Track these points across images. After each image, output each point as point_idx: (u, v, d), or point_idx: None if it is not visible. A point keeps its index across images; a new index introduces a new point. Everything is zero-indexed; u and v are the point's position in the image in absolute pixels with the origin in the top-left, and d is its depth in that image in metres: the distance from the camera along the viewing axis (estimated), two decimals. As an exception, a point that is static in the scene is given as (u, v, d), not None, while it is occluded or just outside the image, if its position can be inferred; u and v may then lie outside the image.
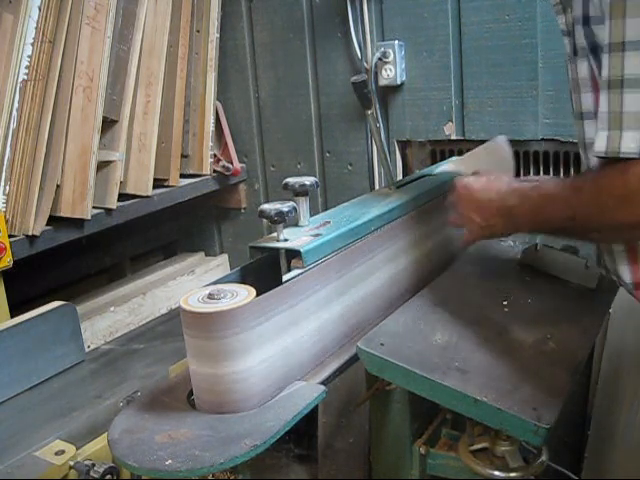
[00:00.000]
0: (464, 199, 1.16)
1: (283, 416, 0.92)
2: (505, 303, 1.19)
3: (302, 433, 2.16)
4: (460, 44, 1.92)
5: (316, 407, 0.99)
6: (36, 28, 1.65)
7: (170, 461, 0.83)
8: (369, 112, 1.35)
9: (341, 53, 2.13)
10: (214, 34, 2.16)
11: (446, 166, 1.61)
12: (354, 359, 1.08)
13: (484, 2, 1.84)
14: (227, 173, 2.27)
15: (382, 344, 1.04)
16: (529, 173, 1.91)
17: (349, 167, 2.22)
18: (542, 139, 1.86)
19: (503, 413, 0.90)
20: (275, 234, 1.10)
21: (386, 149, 1.66)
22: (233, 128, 2.35)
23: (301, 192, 1.18)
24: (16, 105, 1.64)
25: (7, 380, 1.45)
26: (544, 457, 1.07)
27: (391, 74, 2.02)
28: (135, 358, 1.69)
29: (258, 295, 0.95)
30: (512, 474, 1.04)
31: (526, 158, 1.92)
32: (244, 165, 2.41)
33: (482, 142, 1.97)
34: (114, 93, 1.88)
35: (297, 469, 2.22)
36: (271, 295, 0.96)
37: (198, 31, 2.16)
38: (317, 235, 1.12)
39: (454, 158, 1.42)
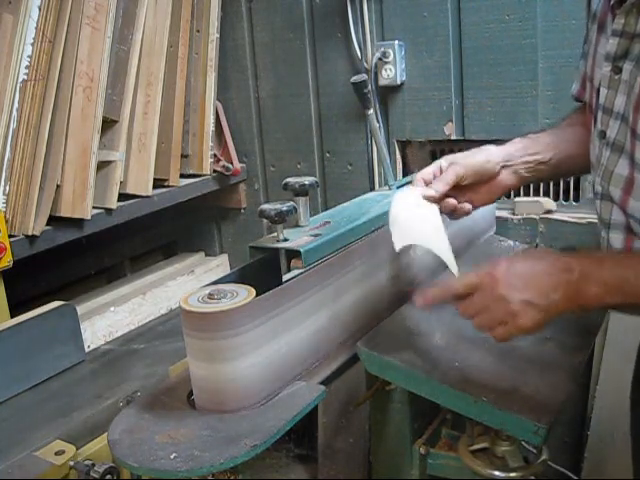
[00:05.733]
0: (505, 286, 0.90)
1: (283, 416, 0.92)
2: (505, 303, 1.19)
3: (302, 433, 2.16)
4: (460, 44, 1.92)
5: (316, 407, 0.99)
6: (36, 28, 1.65)
7: (170, 461, 0.83)
8: (369, 112, 1.35)
9: (341, 53, 2.13)
10: (214, 34, 2.16)
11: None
12: (354, 359, 1.08)
13: (484, 2, 1.85)
14: (227, 173, 2.27)
15: (382, 344, 1.04)
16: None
17: (349, 167, 2.22)
18: (542, 139, 1.86)
19: (503, 413, 0.90)
20: (275, 234, 1.10)
21: (386, 149, 1.66)
22: (233, 128, 2.35)
23: (301, 192, 1.18)
24: (16, 105, 1.64)
25: (7, 380, 1.45)
26: (544, 457, 1.07)
27: (391, 74, 2.02)
28: (135, 358, 1.69)
29: (258, 295, 0.95)
30: (512, 474, 1.04)
31: (526, 158, 1.92)
32: (244, 165, 2.41)
33: (482, 142, 1.97)
34: (114, 93, 1.87)
35: (297, 469, 2.21)
36: (271, 295, 0.96)
37: (198, 31, 2.16)
38: (317, 235, 1.12)
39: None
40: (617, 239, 1.03)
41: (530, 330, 0.91)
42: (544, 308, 0.89)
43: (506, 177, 1.16)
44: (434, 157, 2.09)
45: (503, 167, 1.16)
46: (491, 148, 1.18)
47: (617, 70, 0.99)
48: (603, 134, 1.03)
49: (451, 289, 0.96)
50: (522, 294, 0.89)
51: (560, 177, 1.51)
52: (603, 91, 1.02)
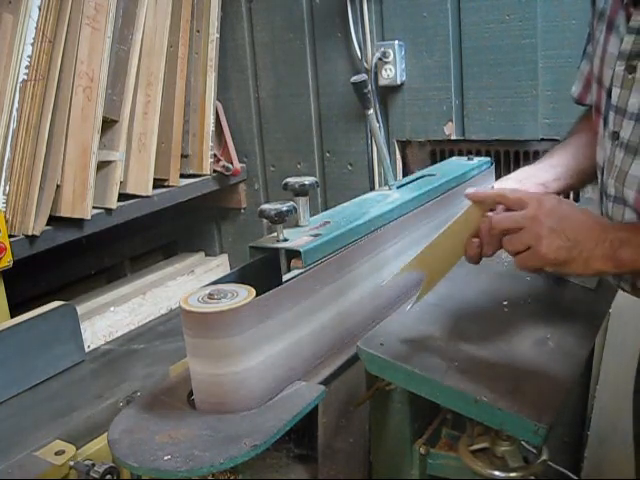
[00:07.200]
0: (544, 213, 0.91)
1: (283, 416, 0.92)
2: (505, 303, 1.19)
3: (302, 433, 2.16)
4: (460, 44, 1.92)
5: (316, 407, 0.99)
6: (36, 28, 1.65)
7: (170, 461, 0.83)
8: (369, 112, 1.35)
9: (341, 53, 2.13)
10: (214, 34, 2.16)
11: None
12: (354, 359, 1.08)
13: (484, 2, 1.85)
14: (227, 173, 2.27)
15: (382, 344, 1.03)
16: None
17: (349, 167, 2.22)
18: (542, 139, 1.86)
19: (503, 413, 0.90)
20: (275, 234, 1.10)
21: (386, 149, 1.66)
22: (233, 128, 2.35)
23: (301, 192, 1.18)
24: (16, 105, 1.64)
25: (7, 380, 1.45)
26: (544, 457, 1.07)
27: (391, 74, 2.02)
28: (135, 358, 1.69)
29: (258, 295, 0.95)
30: (512, 474, 1.04)
31: (526, 158, 1.93)
32: (244, 165, 2.41)
33: (482, 142, 1.98)
34: (114, 93, 1.88)
35: (297, 469, 2.22)
36: (271, 295, 0.96)
37: (198, 31, 2.16)
38: (317, 235, 1.11)
39: None
40: None
41: (549, 261, 0.91)
42: (570, 247, 0.90)
43: (533, 189, 1.22)
44: (434, 157, 2.10)
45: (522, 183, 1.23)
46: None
47: (631, 69, 0.97)
48: (616, 135, 1.02)
49: (503, 195, 0.98)
50: (555, 223, 0.91)
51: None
52: (616, 91, 1.00)
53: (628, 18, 0.98)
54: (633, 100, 0.97)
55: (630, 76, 0.97)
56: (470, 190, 1.00)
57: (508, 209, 0.97)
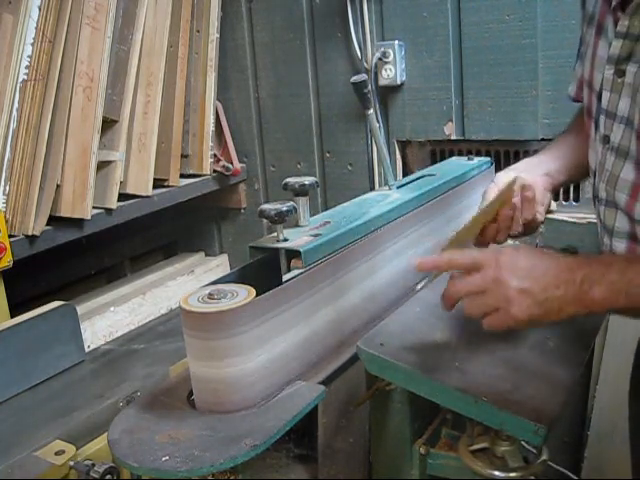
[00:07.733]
0: (506, 271, 0.88)
1: (283, 416, 0.92)
2: (505, 303, 1.19)
3: (302, 433, 2.16)
4: (460, 44, 1.92)
5: (316, 407, 0.99)
6: (36, 28, 1.65)
7: (170, 461, 0.83)
8: (369, 112, 1.35)
9: (341, 53, 2.13)
10: (214, 34, 2.16)
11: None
12: (354, 359, 1.08)
13: (484, 2, 1.85)
14: (227, 173, 2.27)
15: (382, 344, 1.03)
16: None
17: (349, 167, 2.22)
18: (542, 139, 1.86)
19: (503, 413, 0.90)
20: (275, 234, 1.10)
21: (386, 149, 1.67)
22: (233, 128, 2.35)
23: (301, 192, 1.18)
24: (16, 105, 1.64)
25: (7, 380, 1.45)
26: (544, 457, 1.07)
27: (391, 74, 2.02)
28: (135, 358, 1.69)
29: (258, 295, 0.95)
30: (512, 474, 1.04)
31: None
32: (244, 165, 2.41)
33: (482, 142, 1.98)
34: (114, 93, 1.88)
35: (297, 469, 2.21)
36: (271, 295, 0.96)
37: (198, 31, 2.16)
38: (317, 235, 1.11)
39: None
40: (620, 247, 1.02)
41: (522, 322, 0.88)
42: (541, 301, 0.87)
43: (540, 179, 1.22)
44: (434, 157, 2.10)
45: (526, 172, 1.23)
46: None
47: (620, 73, 0.97)
48: (607, 139, 1.02)
49: (454, 260, 0.94)
50: (521, 282, 0.87)
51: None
52: (605, 95, 1.01)
53: (616, 23, 0.98)
54: (622, 104, 0.97)
55: (619, 80, 0.98)
56: (417, 260, 0.96)
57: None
